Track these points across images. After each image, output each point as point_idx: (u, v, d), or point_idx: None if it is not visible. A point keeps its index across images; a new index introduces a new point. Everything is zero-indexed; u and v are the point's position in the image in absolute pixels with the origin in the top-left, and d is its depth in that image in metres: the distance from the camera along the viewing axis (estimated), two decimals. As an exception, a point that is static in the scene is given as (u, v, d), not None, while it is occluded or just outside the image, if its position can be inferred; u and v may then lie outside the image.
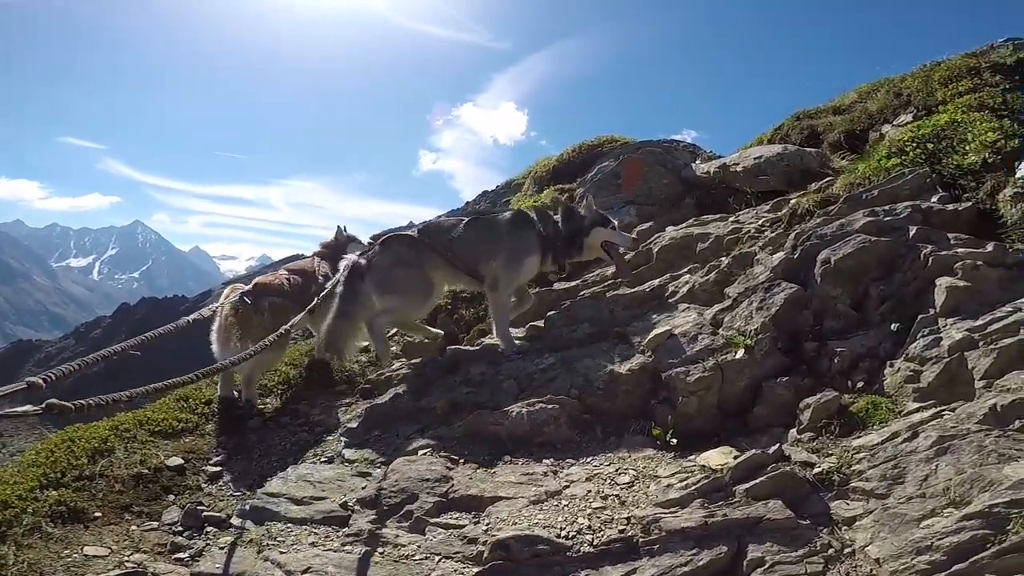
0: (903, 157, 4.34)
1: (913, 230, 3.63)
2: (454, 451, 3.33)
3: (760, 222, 4.95)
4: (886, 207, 3.84)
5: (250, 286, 4.42)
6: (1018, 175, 3.53)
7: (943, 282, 3.27)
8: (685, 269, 4.97)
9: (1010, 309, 3.04)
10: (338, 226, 5.82)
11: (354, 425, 3.92)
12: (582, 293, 5.75)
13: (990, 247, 3.48)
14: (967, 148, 3.99)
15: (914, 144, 4.35)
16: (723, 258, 4.52)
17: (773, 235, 4.29)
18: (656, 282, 4.75)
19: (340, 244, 5.61)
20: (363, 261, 4.32)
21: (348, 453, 3.57)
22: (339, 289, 4.24)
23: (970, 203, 3.76)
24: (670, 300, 4.45)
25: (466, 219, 4.47)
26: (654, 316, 4.34)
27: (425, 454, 3.30)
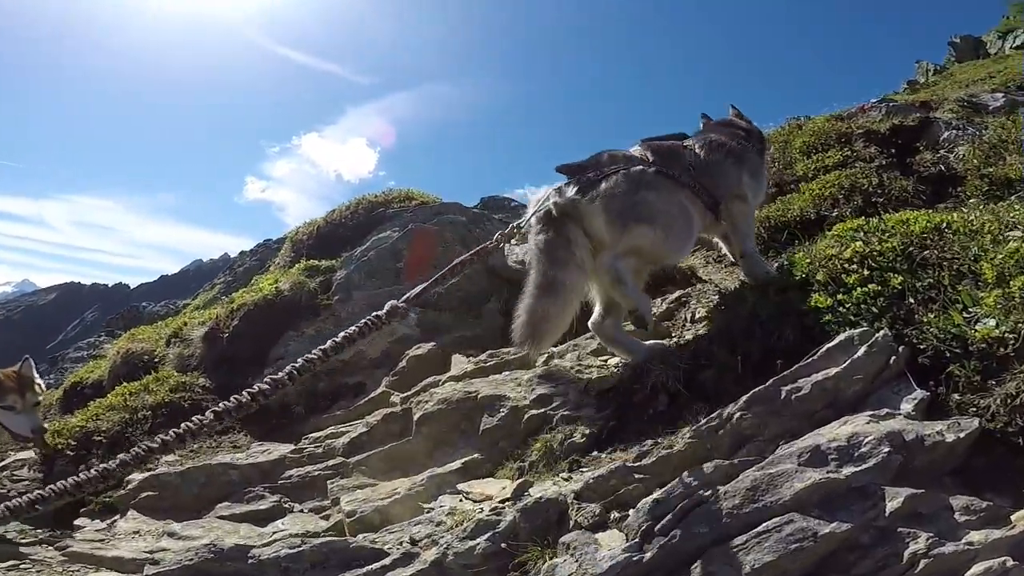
0: (840, 296, 2.37)
1: (896, 503, 1.62)
2: None
3: (591, 376, 2.80)
4: (841, 441, 1.76)
5: None
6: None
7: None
8: (457, 462, 2.69)
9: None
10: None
11: None
12: (289, 474, 3.23)
13: (1021, 525, 1.60)
14: (971, 298, 2.06)
15: (860, 274, 2.34)
16: (514, 475, 2.25)
17: (604, 472, 2.03)
18: (390, 525, 2.41)
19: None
20: (571, 194, 2.62)
21: None
22: (537, 241, 2.64)
23: (975, 425, 1.86)
24: (407, 566, 2.08)
25: (702, 139, 3.04)
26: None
27: None
